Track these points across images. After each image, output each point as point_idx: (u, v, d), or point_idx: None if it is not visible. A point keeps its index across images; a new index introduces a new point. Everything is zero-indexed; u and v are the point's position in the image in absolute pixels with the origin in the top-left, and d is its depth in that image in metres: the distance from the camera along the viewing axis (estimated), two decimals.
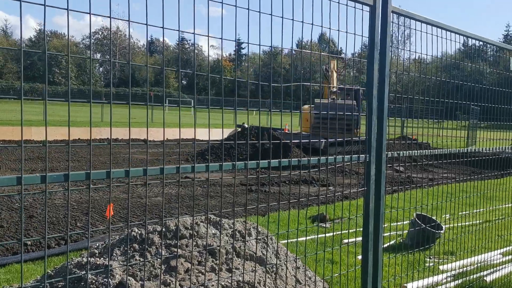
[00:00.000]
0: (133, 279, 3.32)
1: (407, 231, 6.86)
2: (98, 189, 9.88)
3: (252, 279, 3.43)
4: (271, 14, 2.57)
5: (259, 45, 2.59)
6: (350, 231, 6.45)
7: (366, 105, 3.34)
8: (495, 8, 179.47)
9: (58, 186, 9.56)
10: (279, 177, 9.36)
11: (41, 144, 1.77)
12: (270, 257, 3.93)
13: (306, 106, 16.23)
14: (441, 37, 3.96)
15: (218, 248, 3.64)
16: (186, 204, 9.17)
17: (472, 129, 21.41)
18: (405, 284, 4.67)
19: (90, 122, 1.90)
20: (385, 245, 6.37)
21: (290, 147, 14.46)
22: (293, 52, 3.12)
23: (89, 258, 3.64)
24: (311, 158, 2.91)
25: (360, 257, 3.68)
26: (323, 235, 6.14)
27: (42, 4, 1.80)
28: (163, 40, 2.00)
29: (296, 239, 3.91)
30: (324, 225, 7.59)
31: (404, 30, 4.01)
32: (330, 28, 2.92)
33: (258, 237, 4.02)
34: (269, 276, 3.69)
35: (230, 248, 3.72)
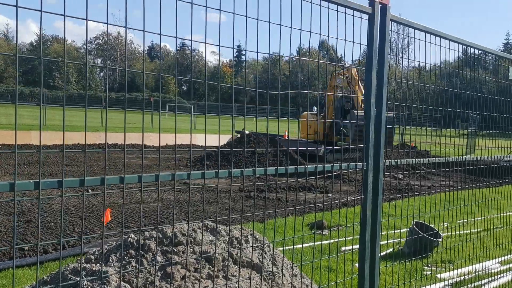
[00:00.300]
0: (129, 286, 3.30)
1: (405, 239, 6.83)
2: (96, 194, 9.85)
3: (248, 287, 3.41)
4: (269, 22, 2.58)
5: (257, 52, 2.59)
6: (348, 238, 6.42)
7: (364, 113, 3.34)
8: (495, 16, 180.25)
9: (56, 192, 9.54)
10: (275, 183, 9.34)
11: (35, 151, 1.76)
12: (267, 264, 3.91)
13: (305, 113, 16.21)
14: (440, 45, 3.97)
15: (215, 255, 3.63)
16: (184, 210, 9.14)
17: (471, 137, 21.43)
18: None
19: (85, 127, 1.89)
20: (383, 253, 6.35)
21: (296, 153, 14.50)
22: (293, 59, 3.12)
23: (84, 264, 3.62)
24: (307, 165, 2.90)
25: (357, 265, 3.67)
26: (320, 242, 6.12)
27: (39, 10, 1.80)
28: (160, 46, 2.00)
29: (292, 246, 3.91)
30: (322, 232, 7.56)
31: (403, 39, 4.02)
32: (328, 36, 2.92)
33: (255, 245, 4.01)
34: (266, 284, 3.67)
35: (226, 255, 3.70)
